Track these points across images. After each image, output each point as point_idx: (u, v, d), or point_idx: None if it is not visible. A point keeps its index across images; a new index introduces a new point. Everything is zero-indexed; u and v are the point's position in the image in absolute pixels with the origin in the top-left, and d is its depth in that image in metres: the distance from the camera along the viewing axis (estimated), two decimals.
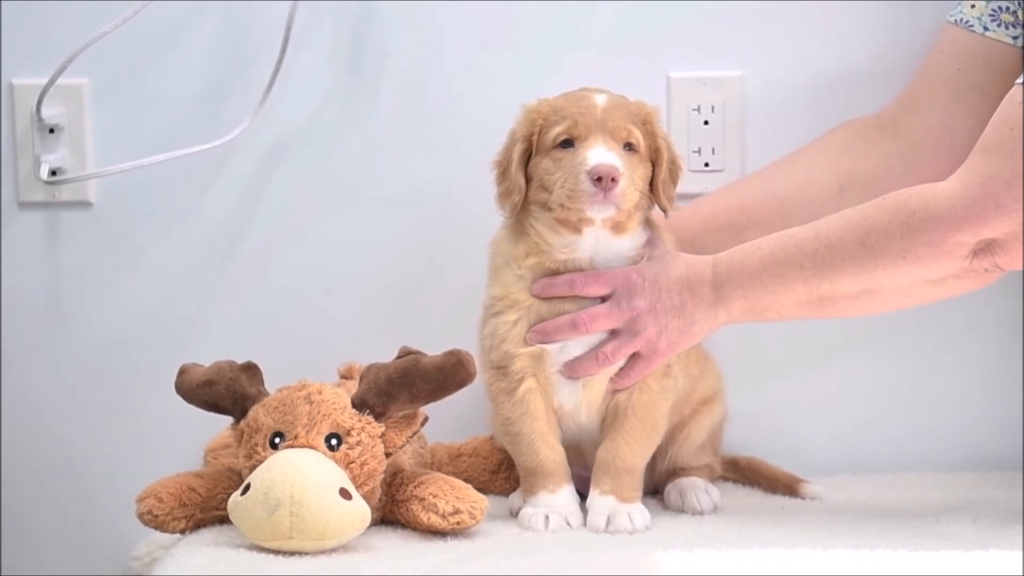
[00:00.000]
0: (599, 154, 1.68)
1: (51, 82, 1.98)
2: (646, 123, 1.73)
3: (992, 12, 1.87)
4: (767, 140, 2.01)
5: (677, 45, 2.02)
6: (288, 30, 1.97)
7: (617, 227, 1.72)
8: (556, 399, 1.75)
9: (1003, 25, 1.87)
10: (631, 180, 1.70)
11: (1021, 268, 1.64)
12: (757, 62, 2.02)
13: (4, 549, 2.09)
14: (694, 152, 2.02)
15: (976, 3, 1.88)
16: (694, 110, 2.02)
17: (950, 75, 1.89)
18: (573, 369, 1.74)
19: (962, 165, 1.64)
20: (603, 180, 1.66)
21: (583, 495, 1.75)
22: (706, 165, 2.03)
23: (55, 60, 1.96)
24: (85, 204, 2.06)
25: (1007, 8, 1.86)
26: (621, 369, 1.74)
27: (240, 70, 2.03)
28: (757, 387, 2.02)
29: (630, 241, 1.74)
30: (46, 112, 2.02)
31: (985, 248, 1.63)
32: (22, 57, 2.04)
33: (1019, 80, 1.63)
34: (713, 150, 2.03)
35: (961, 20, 1.89)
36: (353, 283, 2.05)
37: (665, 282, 1.73)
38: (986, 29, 1.88)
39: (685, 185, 2.01)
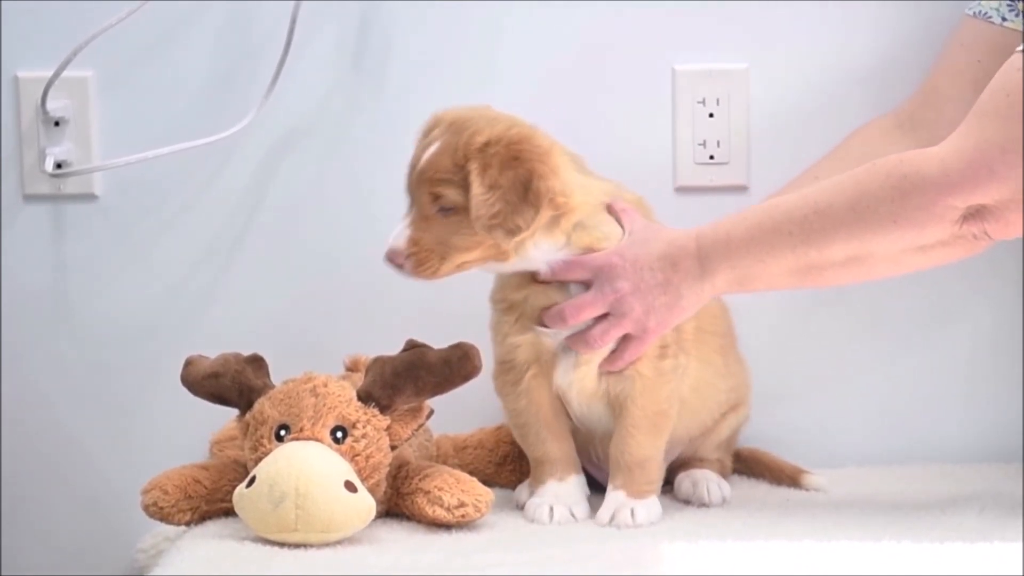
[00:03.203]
0: (394, 235, 1.70)
1: (56, 75, 1.98)
2: (464, 169, 1.68)
3: (1010, 2, 1.87)
4: (772, 133, 2.01)
5: (682, 37, 2.01)
6: (293, 21, 1.97)
7: (499, 255, 1.71)
8: (554, 382, 1.75)
9: (1020, 15, 1.87)
10: (448, 247, 1.69)
11: (1010, 237, 1.63)
12: (762, 55, 2.02)
13: (8, 543, 2.09)
14: (699, 145, 2.02)
15: None
16: (699, 103, 2.02)
17: (970, 68, 1.89)
18: (572, 343, 1.73)
19: (956, 129, 1.64)
20: (392, 264, 1.70)
21: (604, 488, 1.75)
22: (711, 158, 2.03)
23: (60, 53, 1.96)
24: (90, 197, 2.06)
25: None
26: (613, 352, 1.73)
27: (245, 62, 2.03)
28: (762, 379, 2.01)
29: (538, 252, 1.71)
30: (51, 105, 2.02)
31: (975, 214, 1.61)
32: (27, 50, 2.03)
33: (1019, 47, 1.63)
34: (718, 143, 2.03)
35: (979, 12, 1.89)
36: (358, 276, 2.05)
37: (646, 260, 1.71)
38: (1004, 19, 1.87)
39: (690, 178, 2.03)
